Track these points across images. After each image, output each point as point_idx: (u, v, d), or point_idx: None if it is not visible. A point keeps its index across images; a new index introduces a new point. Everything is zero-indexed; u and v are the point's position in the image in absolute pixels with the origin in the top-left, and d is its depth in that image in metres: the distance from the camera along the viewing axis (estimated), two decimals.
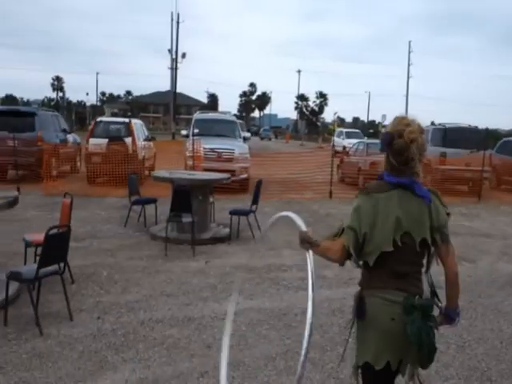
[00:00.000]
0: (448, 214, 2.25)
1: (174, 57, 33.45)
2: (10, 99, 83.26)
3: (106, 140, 12.41)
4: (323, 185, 12.62)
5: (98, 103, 78.06)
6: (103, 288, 5.31)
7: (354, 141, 20.06)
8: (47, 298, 4.79)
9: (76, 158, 15.37)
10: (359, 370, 2.31)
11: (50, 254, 4.21)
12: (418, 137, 2.16)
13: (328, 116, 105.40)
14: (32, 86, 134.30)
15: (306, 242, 2.17)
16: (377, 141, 14.61)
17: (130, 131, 12.73)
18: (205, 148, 11.77)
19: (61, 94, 76.20)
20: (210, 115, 14.59)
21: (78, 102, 78.44)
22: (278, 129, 70.79)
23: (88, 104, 71.14)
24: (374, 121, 73.19)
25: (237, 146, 12.23)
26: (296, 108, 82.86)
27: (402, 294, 2.15)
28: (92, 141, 12.70)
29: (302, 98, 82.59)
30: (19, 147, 12.17)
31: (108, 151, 12.27)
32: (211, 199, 8.18)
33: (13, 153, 11.55)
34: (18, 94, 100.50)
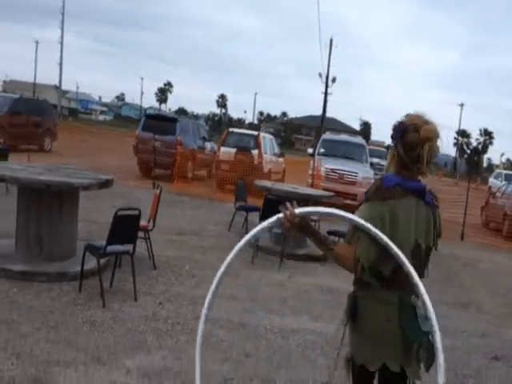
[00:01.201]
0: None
1: (323, 81, 34.00)
2: (181, 111, 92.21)
3: (235, 149, 12.95)
4: (458, 225, 11.47)
5: (256, 121, 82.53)
6: (178, 279, 5.46)
7: None
8: (126, 277, 5.07)
9: (212, 165, 16.32)
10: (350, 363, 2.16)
11: (118, 233, 4.46)
12: (434, 138, 2.02)
13: (495, 156, 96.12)
14: (200, 102, 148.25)
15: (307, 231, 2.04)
16: None
17: (257, 144, 13.12)
18: (326, 168, 11.58)
19: (224, 111, 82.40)
20: (339, 136, 14.35)
21: (238, 118, 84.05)
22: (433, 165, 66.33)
23: (246, 122, 75.70)
24: None
25: (361, 170, 11.80)
26: (455, 144, 77.23)
27: (397, 293, 2.02)
28: (222, 149, 13.37)
29: (463, 134, 76.81)
30: (160, 148, 13.37)
31: (235, 160, 12.78)
32: (315, 217, 7.96)
33: (153, 152, 12.69)
34: (188, 108, 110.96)
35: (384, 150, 31.17)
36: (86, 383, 3.16)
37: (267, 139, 14.36)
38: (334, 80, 35.64)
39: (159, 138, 13.49)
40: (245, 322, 4.49)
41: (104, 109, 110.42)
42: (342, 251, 2.08)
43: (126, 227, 4.62)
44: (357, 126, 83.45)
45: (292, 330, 4.47)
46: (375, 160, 24.32)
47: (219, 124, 77.97)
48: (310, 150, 14.07)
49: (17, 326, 3.81)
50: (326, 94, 34.57)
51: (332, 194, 8.02)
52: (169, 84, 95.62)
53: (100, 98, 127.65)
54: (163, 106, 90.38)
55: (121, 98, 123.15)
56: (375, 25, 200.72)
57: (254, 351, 3.94)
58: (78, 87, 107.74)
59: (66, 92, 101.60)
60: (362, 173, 11.75)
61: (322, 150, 12.82)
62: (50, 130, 18.25)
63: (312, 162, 12.22)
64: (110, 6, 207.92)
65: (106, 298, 4.55)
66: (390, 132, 2.05)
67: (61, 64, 62.89)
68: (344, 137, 14.54)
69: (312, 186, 11.28)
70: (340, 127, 73.45)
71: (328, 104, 38.17)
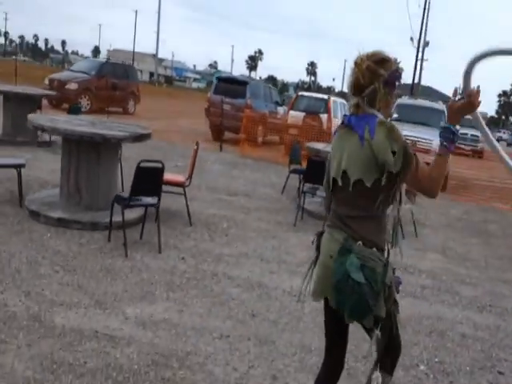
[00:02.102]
0: (394, 153, 1.91)
1: (415, 46, 31.63)
2: (271, 79, 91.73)
3: (303, 113, 12.55)
4: None
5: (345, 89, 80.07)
6: (211, 236, 5.40)
7: None
8: (161, 232, 5.08)
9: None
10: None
11: (141, 185, 4.45)
12: None
13: None
14: (290, 70, 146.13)
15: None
16: None
17: (327, 108, 12.59)
18: None
19: (313, 78, 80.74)
20: (415, 101, 13.27)
21: (327, 86, 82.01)
22: None
23: (336, 90, 73.66)
24: None
25: (436, 137, 10.82)
26: None
27: (344, 234, 2.02)
28: (292, 113, 13.03)
29: None
30: (229, 111, 13.33)
31: (304, 124, 12.41)
32: None
33: (221, 116, 12.68)
34: (278, 76, 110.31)
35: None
36: (80, 325, 3.20)
37: (338, 103, 13.72)
38: (427, 44, 33.13)
39: (229, 101, 13.46)
40: (263, 283, 4.32)
41: (197, 76, 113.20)
42: None
43: (148, 180, 4.59)
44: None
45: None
46: (467, 130, 22.56)
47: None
48: None
49: (38, 266, 3.97)
50: (416, 58, 32.23)
51: None
52: (259, 52, 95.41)
53: (194, 66, 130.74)
54: (253, 74, 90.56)
55: (214, 66, 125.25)
56: None
57: (264, 312, 3.78)
58: (173, 55, 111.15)
59: (162, 60, 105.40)
60: (437, 139, 10.80)
61: (395, 116, 12.00)
62: (133, 93, 18.96)
63: None
64: None
65: (133, 249, 4.62)
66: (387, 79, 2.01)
67: (158, 33, 65.14)
68: (420, 101, 13.45)
69: None
70: (435, 95, 68.90)
71: (424, 72, 35.73)
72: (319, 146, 7.37)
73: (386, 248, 2.05)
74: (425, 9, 31.36)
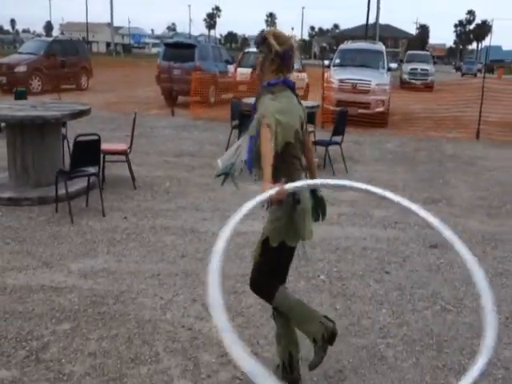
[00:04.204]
0: None
1: None
2: (231, 36, 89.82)
3: (250, 69, 12.87)
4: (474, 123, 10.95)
5: (307, 37, 79.22)
6: (153, 196, 5.93)
7: None
8: (104, 198, 5.58)
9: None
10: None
11: (80, 157, 4.91)
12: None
13: None
14: (250, 23, 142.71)
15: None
16: None
17: None
18: (338, 79, 11.30)
19: None
20: (356, 45, 13.69)
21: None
22: (500, 63, 61.26)
23: (296, 39, 72.71)
24: None
25: (375, 78, 11.38)
26: None
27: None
28: (239, 70, 13.35)
29: None
30: (180, 75, 13.58)
31: (251, 80, 12.75)
32: (309, 129, 8.01)
33: (170, 81, 12.95)
34: (238, 31, 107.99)
35: (428, 53, 29.20)
36: (28, 282, 3.75)
37: None
38: None
39: (178, 66, 13.69)
40: (195, 229, 4.91)
41: (157, 41, 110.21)
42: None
43: (87, 152, 5.05)
44: (413, 31, 77.85)
45: (238, 233, 4.82)
46: (417, 65, 23.13)
47: None
48: (326, 62, 13.62)
49: None
50: None
51: (316, 104, 7.99)
52: (217, 8, 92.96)
53: (152, 31, 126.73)
54: (212, 32, 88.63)
55: (172, 28, 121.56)
56: None
57: (193, 252, 4.37)
58: (129, 22, 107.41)
59: (118, 28, 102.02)
60: (376, 80, 11.34)
61: (337, 61, 12.42)
62: (85, 68, 18.92)
63: (326, 73, 11.94)
64: None
65: (79, 216, 5.13)
66: (275, 58, 2.44)
67: (111, 0, 62.81)
68: (361, 44, 13.87)
69: (323, 98, 11.14)
70: (395, 33, 68.88)
71: (381, 11, 35.66)
72: (248, 100, 7.83)
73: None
74: None
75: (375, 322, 3.35)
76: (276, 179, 2.23)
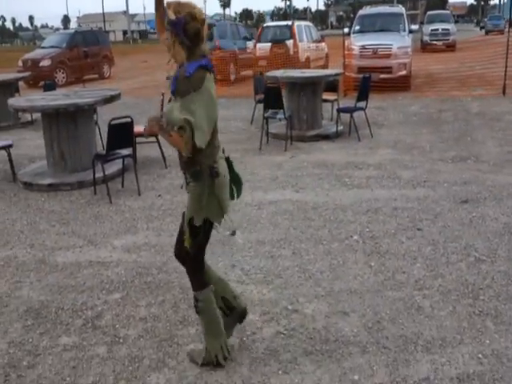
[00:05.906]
0: None
1: None
2: (246, 12, 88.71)
3: (270, 44, 12.84)
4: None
5: (323, 7, 77.54)
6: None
7: None
8: (140, 178, 5.76)
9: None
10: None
11: (114, 140, 5.10)
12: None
13: None
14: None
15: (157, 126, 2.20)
16: None
17: (292, 34, 12.85)
18: (358, 45, 11.16)
19: (288, 3, 78.17)
20: (375, 9, 13.41)
21: (303, 8, 79.51)
22: None
23: (313, 10, 71.48)
24: None
25: (396, 41, 11.18)
26: None
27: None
28: (259, 45, 13.31)
29: None
30: None
31: (271, 54, 12.73)
32: (332, 97, 8.03)
33: None
34: (254, 7, 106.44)
35: (448, 12, 28.28)
36: (77, 259, 3.99)
37: (303, 27, 13.94)
38: None
39: None
40: None
41: None
42: (179, 140, 2.25)
43: (121, 134, 5.23)
44: None
45: (270, 202, 4.97)
46: (438, 26, 22.48)
47: (285, 18, 74.54)
48: (346, 30, 13.42)
49: (37, 225, 4.73)
50: None
51: (337, 72, 7.97)
52: None
53: None
54: (227, 11, 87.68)
55: None
56: None
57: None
58: (144, 8, 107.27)
59: (134, 15, 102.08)
60: (397, 43, 11.14)
61: (357, 28, 12.25)
62: (106, 57, 19.17)
63: (346, 42, 11.81)
64: None
65: (117, 196, 5.35)
66: (168, 28, 2.19)
67: None
68: (380, 8, 13.57)
69: (344, 66, 11.05)
70: None
71: None
72: (277, 73, 7.87)
73: None
74: None
75: (410, 276, 3.44)
76: (198, 161, 2.31)
